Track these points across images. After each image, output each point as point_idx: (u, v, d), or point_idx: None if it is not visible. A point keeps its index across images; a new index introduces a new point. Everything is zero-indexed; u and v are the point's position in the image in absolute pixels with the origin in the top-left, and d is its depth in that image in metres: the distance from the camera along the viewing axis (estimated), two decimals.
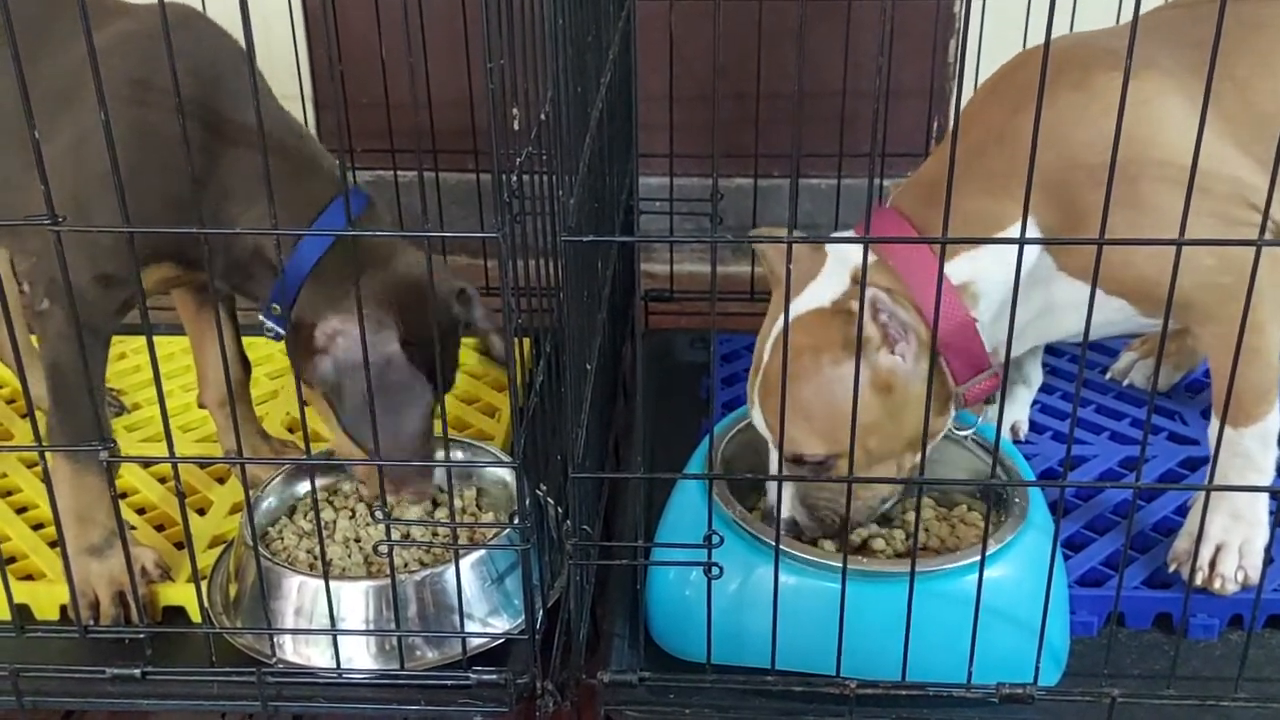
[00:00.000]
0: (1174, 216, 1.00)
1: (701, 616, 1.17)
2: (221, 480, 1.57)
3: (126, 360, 1.84)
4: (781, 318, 1.18)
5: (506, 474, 1.42)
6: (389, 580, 1.20)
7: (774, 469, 1.30)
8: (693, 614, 1.20)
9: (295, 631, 1.24)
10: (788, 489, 1.28)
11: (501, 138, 1.00)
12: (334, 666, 1.22)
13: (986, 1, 2.01)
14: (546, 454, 1.36)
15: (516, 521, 1.21)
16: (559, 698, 1.21)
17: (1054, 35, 0.97)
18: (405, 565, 1.31)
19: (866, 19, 2.11)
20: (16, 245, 1.47)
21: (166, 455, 1.14)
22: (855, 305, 1.12)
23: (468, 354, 1.48)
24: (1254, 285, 1.03)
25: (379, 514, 1.21)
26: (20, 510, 1.51)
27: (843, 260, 1.27)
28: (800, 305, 1.25)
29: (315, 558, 1.29)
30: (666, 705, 1.21)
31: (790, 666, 1.19)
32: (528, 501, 1.19)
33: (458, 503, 1.41)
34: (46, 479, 1.21)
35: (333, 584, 1.22)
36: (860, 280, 1.09)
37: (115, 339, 1.38)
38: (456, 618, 1.23)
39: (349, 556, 1.33)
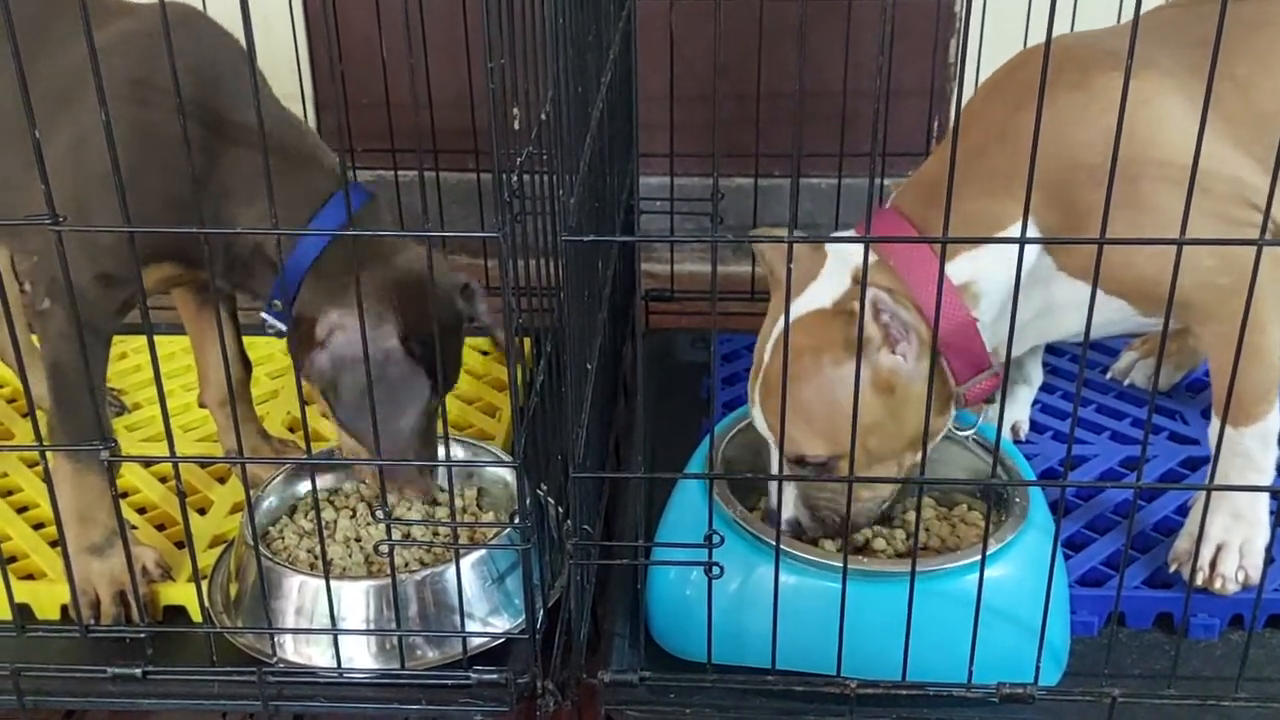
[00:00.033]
0: (1174, 216, 1.00)
1: (702, 616, 1.17)
2: (222, 480, 1.57)
3: (127, 360, 1.84)
4: (782, 318, 1.18)
5: (507, 474, 1.42)
6: (390, 580, 1.20)
7: (775, 469, 1.29)
8: (693, 614, 1.20)
9: (296, 631, 1.25)
10: (791, 490, 1.28)
11: (502, 137, 1.00)
12: (335, 666, 1.22)
13: (987, 1, 2.02)
14: (547, 454, 1.36)
15: (517, 521, 1.21)
16: (559, 697, 1.21)
17: (1054, 35, 0.97)
18: (406, 565, 1.31)
19: (867, 18, 2.11)
20: (17, 245, 1.47)
21: (167, 455, 1.14)
22: (856, 306, 1.12)
23: (469, 354, 1.48)
24: (1255, 285, 1.03)
25: (379, 514, 1.21)
26: (21, 510, 1.51)
27: (843, 260, 1.27)
28: (801, 306, 1.25)
29: (316, 557, 1.29)
30: (667, 705, 1.21)
31: (791, 666, 1.19)
32: (528, 501, 1.19)
33: (458, 502, 1.41)
34: (47, 478, 1.21)
35: (333, 583, 1.22)
36: (861, 280, 1.09)
37: (116, 339, 1.38)
38: (457, 617, 1.24)
39: (350, 556, 1.33)
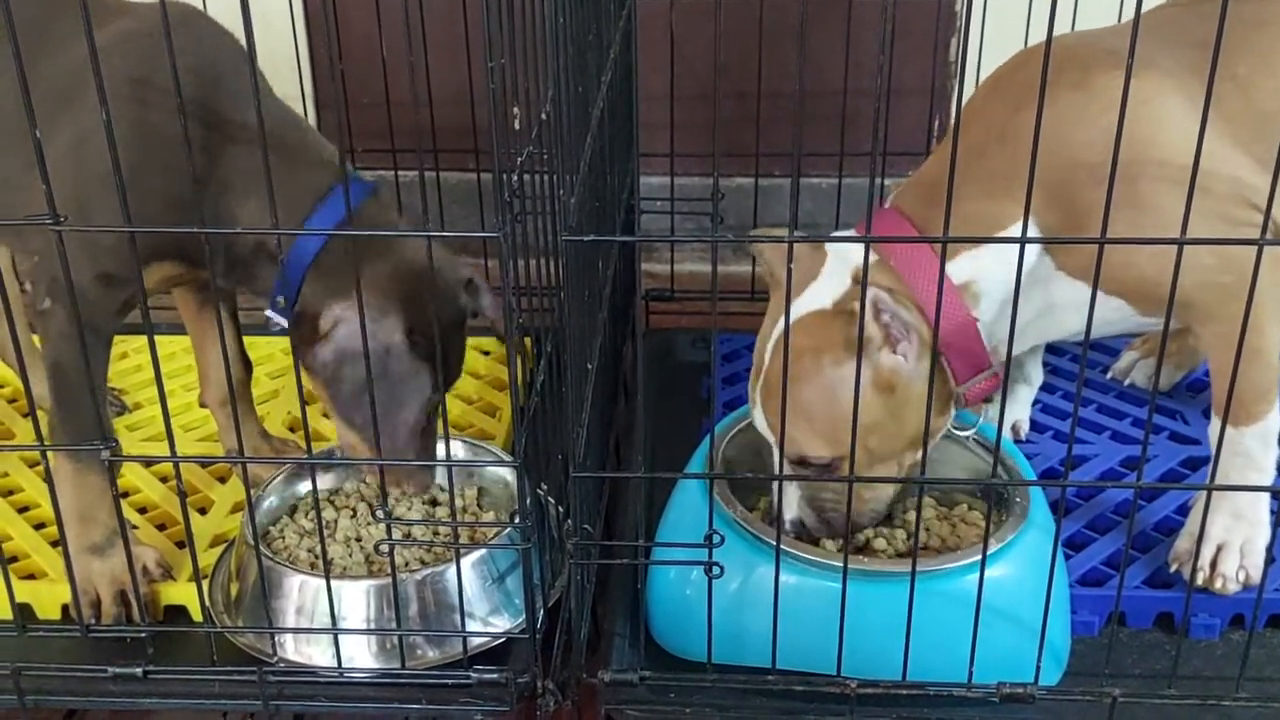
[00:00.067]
0: (1174, 216, 1.00)
1: (702, 616, 1.17)
2: (223, 479, 1.57)
3: (128, 360, 1.84)
4: (782, 318, 1.18)
5: (507, 473, 1.42)
6: (390, 579, 1.20)
7: (776, 470, 1.29)
8: (693, 613, 1.20)
9: (296, 630, 1.25)
10: (795, 491, 1.28)
11: (502, 137, 1.00)
12: (335, 665, 1.22)
13: (988, 0, 2.01)
14: (547, 453, 1.36)
15: (517, 521, 1.21)
16: (560, 697, 1.21)
17: (1055, 34, 0.97)
18: (406, 564, 1.31)
19: (868, 18, 2.11)
20: (18, 245, 1.47)
21: (168, 454, 1.14)
22: (856, 306, 1.11)
23: (470, 354, 1.48)
24: (1255, 285, 1.03)
25: (380, 513, 1.21)
26: (22, 509, 1.51)
27: (843, 260, 1.27)
28: (801, 306, 1.25)
29: (316, 557, 1.29)
30: (667, 704, 1.21)
31: (791, 666, 1.19)
32: (529, 501, 1.19)
33: (459, 502, 1.41)
34: (48, 478, 1.21)
35: (334, 583, 1.22)
36: (861, 280, 1.09)
37: (117, 338, 1.38)
38: (457, 617, 1.24)
39: (350, 555, 1.33)
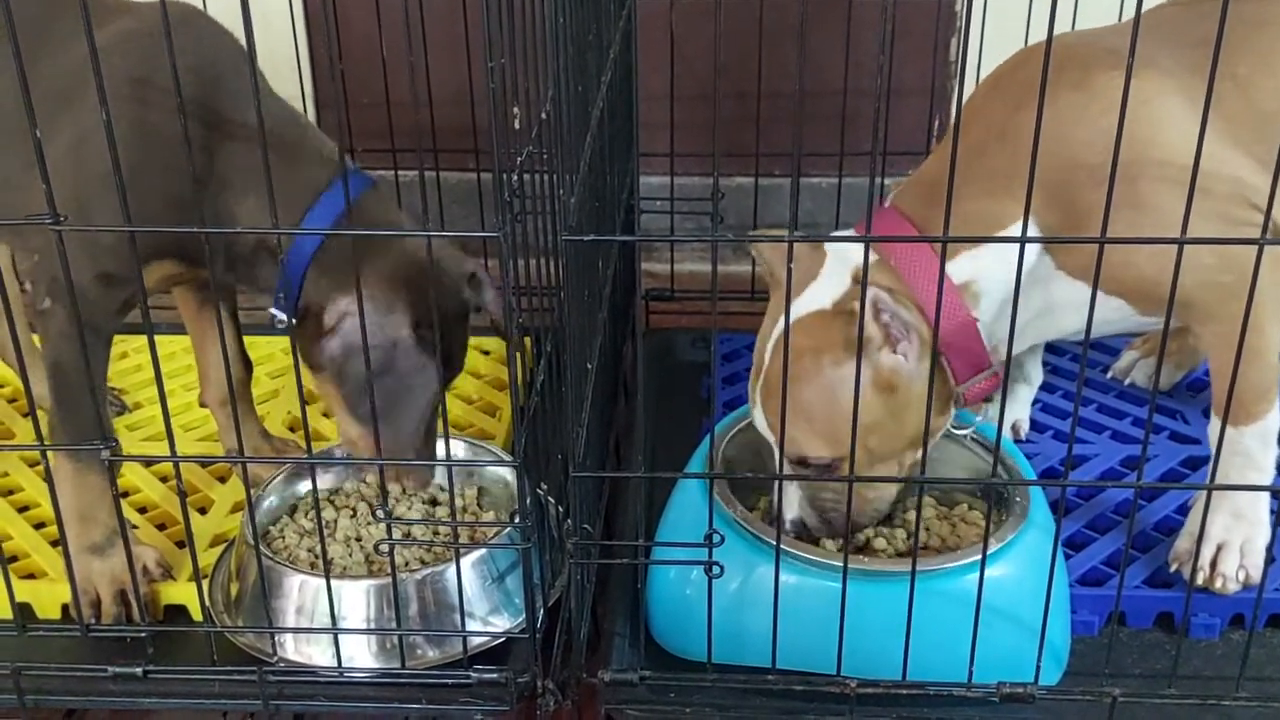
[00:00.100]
0: (1174, 216, 1.00)
1: (702, 616, 1.17)
2: (223, 479, 1.57)
3: (128, 359, 1.84)
4: (782, 319, 1.18)
5: (507, 473, 1.42)
6: (390, 579, 1.20)
7: (777, 470, 1.29)
8: (693, 613, 1.20)
9: (296, 630, 1.25)
10: (797, 491, 1.28)
11: (502, 137, 1.00)
12: (335, 665, 1.22)
13: (988, 0, 2.01)
14: (547, 453, 1.36)
15: (517, 520, 1.21)
16: (560, 696, 1.21)
17: (1055, 34, 0.97)
18: (406, 564, 1.31)
19: (868, 17, 2.11)
20: (18, 244, 1.47)
21: (168, 454, 1.14)
22: (856, 305, 1.11)
23: (470, 354, 1.48)
24: (1255, 284, 1.03)
25: (380, 513, 1.21)
26: (22, 509, 1.51)
27: (843, 260, 1.27)
28: (801, 306, 1.25)
29: (316, 556, 1.29)
30: (667, 704, 1.21)
31: (791, 666, 1.19)
32: (528, 500, 1.19)
33: (459, 501, 1.41)
34: (48, 478, 1.21)
35: (334, 583, 1.22)
36: (861, 280, 1.09)
37: (117, 338, 1.38)
38: (457, 616, 1.24)
39: (350, 555, 1.33)
